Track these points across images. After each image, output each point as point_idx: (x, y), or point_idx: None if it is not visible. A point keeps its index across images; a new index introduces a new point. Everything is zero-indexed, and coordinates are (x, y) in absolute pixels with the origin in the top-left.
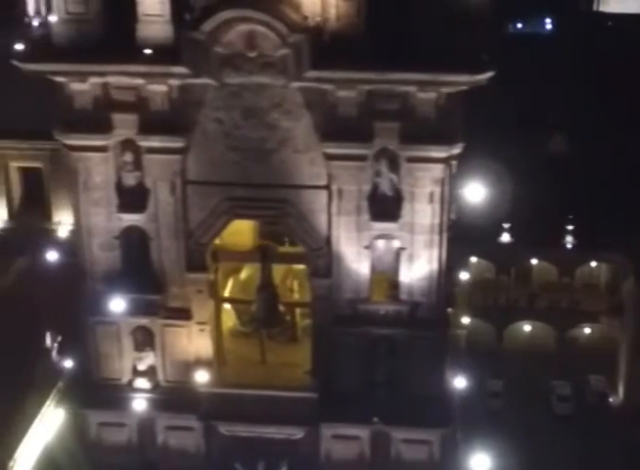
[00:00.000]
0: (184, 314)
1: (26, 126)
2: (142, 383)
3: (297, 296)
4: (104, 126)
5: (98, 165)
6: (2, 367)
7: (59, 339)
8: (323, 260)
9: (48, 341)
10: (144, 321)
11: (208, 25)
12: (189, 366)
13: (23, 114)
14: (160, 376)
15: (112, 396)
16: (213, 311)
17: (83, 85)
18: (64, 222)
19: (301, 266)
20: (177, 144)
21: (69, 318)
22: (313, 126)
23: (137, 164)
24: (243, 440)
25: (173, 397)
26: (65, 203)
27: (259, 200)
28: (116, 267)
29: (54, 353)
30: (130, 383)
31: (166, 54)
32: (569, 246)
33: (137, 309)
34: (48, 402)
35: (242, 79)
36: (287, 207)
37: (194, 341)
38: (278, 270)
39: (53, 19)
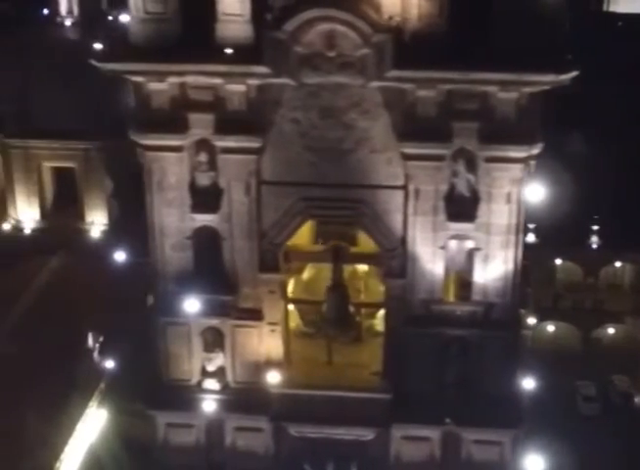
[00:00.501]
0: (255, 315)
1: (60, 126)
2: (211, 384)
3: (363, 296)
4: (180, 126)
5: (173, 166)
6: (45, 368)
7: (100, 339)
8: (397, 261)
9: (90, 341)
10: (215, 322)
11: (291, 25)
12: (259, 367)
13: (57, 114)
14: (230, 377)
15: (180, 397)
16: (284, 312)
17: (161, 85)
18: (96, 222)
19: (368, 267)
20: (253, 144)
21: (110, 318)
22: (391, 126)
23: (212, 165)
24: (312, 441)
25: (242, 397)
26: (97, 202)
27: (334, 200)
28: (188, 268)
29: (95, 354)
30: (199, 384)
31: (246, 53)
32: (593, 246)
33: (208, 310)
34: (91, 403)
35: (320, 79)
36: (362, 207)
37: (264, 342)
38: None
39: (130, 18)
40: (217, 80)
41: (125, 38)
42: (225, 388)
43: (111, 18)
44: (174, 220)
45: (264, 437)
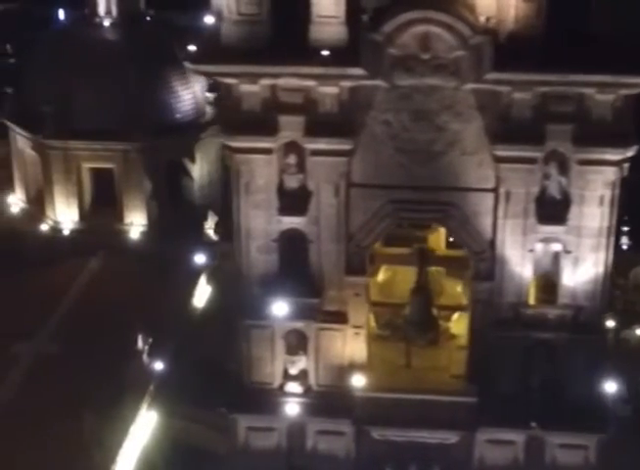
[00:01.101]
0: (340, 318)
1: (99, 127)
2: (293, 387)
3: (440, 299)
4: (270, 128)
5: (261, 168)
6: (93, 369)
7: (150, 341)
8: (485, 264)
9: (139, 342)
10: (299, 325)
11: (389, 27)
12: (342, 370)
13: (96, 114)
14: (312, 380)
15: (262, 400)
16: (367, 315)
17: (253, 87)
18: (135, 223)
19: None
20: (344, 146)
21: (158, 319)
22: (483, 128)
23: (300, 167)
24: (394, 444)
25: (325, 401)
26: (136, 203)
27: (424, 202)
28: (273, 271)
29: (145, 356)
30: (281, 387)
31: (340, 55)
32: (623, 247)
33: (293, 313)
34: (142, 405)
35: (413, 81)
36: (451, 209)
37: (348, 345)
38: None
39: (224, 20)
40: (310, 82)
41: (217, 40)
42: (307, 391)
43: (149, 18)
44: (261, 223)
45: (346, 440)
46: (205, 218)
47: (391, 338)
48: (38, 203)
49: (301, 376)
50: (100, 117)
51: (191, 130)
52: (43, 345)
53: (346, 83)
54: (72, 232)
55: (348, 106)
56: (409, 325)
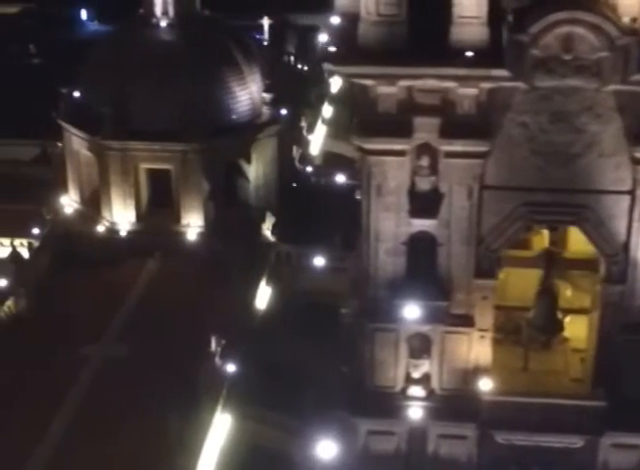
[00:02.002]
0: (467, 321)
1: (157, 128)
2: (416, 391)
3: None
4: (404, 130)
5: (394, 170)
6: (164, 371)
7: (222, 342)
8: (618, 266)
9: (213, 344)
10: (425, 328)
11: (536, 28)
12: (466, 374)
13: (154, 115)
14: (435, 384)
15: (384, 404)
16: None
17: (391, 88)
18: (192, 224)
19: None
20: (481, 148)
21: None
22: (623, 130)
23: (433, 169)
24: (517, 448)
25: (448, 405)
26: (193, 205)
27: (557, 205)
28: (401, 273)
29: (217, 358)
30: (403, 391)
31: (482, 57)
32: None
33: (419, 316)
34: (218, 408)
35: (554, 83)
36: (586, 212)
37: (473, 348)
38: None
39: (361, 20)
40: (450, 84)
41: (353, 41)
42: (430, 395)
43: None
44: (391, 225)
45: (468, 444)
46: (262, 220)
47: (505, 341)
48: (93, 204)
49: (424, 380)
50: (157, 117)
51: (247, 131)
52: (112, 347)
53: (487, 85)
54: (129, 233)
55: (486, 107)
56: (533, 328)
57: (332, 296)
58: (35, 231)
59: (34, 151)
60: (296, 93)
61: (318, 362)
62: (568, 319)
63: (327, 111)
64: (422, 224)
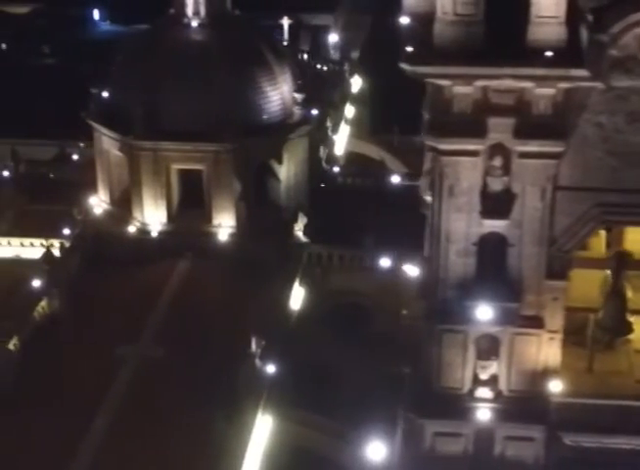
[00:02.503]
0: (537, 323)
1: (189, 128)
2: (483, 392)
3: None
4: (478, 130)
5: (467, 170)
6: (208, 373)
7: (262, 343)
8: None
9: (253, 345)
10: (494, 329)
11: (617, 27)
12: (534, 375)
13: (186, 115)
14: (503, 385)
15: (450, 405)
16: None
17: (467, 89)
18: (223, 225)
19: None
20: (556, 149)
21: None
22: None
23: (505, 169)
24: (585, 450)
25: (515, 406)
26: (225, 205)
27: (632, 206)
28: (470, 274)
29: (257, 359)
30: (471, 392)
31: (561, 56)
32: None
33: (489, 317)
34: (259, 409)
35: (631, 83)
36: None
37: (542, 350)
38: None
39: (437, 20)
40: (527, 84)
41: (427, 41)
42: (498, 396)
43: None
44: (462, 226)
45: (536, 446)
46: (294, 220)
47: (567, 342)
48: (123, 204)
49: (492, 381)
50: (189, 117)
51: (279, 131)
52: (148, 347)
53: (564, 85)
54: (160, 234)
55: (562, 107)
56: (601, 329)
57: (362, 296)
58: (66, 231)
59: (53, 151)
60: (319, 93)
61: (352, 363)
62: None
63: (349, 111)
64: (493, 225)
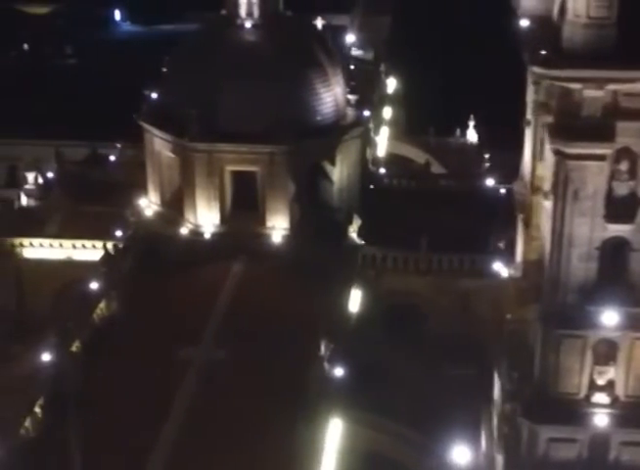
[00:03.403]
0: None
1: (244, 129)
2: (600, 398)
3: None
4: (606, 135)
5: (593, 175)
6: (276, 376)
7: (331, 347)
8: None
9: (322, 348)
10: (614, 334)
11: None
12: None
13: (241, 116)
14: (620, 391)
15: (566, 411)
16: None
17: (598, 92)
18: (277, 226)
19: None
20: None
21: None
22: None
23: (632, 174)
24: None
25: (632, 412)
26: (278, 207)
27: None
28: (591, 279)
29: (325, 362)
30: (587, 398)
31: None
32: None
33: (610, 322)
34: (329, 413)
35: None
36: None
37: None
38: None
39: (567, 23)
40: None
41: (555, 44)
42: (614, 402)
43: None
44: (585, 230)
45: None
46: (349, 222)
47: None
48: (173, 206)
49: (608, 386)
50: (244, 119)
51: (333, 133)
52: (210, 350)
53: None
54: (213, 236)
55: None
56: None
57: (416, 297)
58: (118, 233)
59: (84, 152)
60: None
61: (411, 364)
62: None
63: (387, 112)
64: (617, 229)
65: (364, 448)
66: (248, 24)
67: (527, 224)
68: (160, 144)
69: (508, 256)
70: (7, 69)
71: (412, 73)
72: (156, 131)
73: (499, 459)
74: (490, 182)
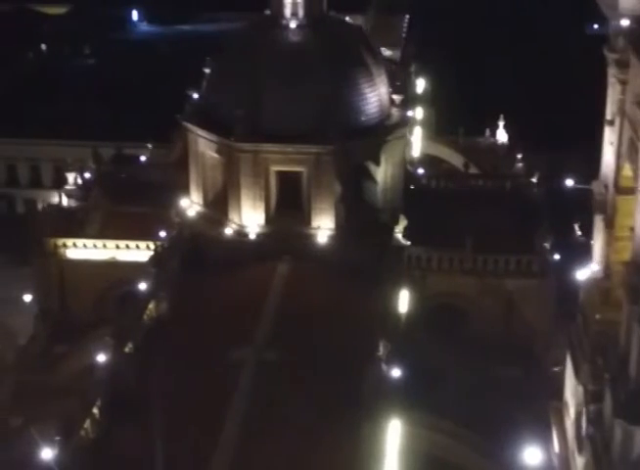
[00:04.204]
0: None
1: (290, 130)
2: None
3: None
4: None
5: None
6: (333, 377)
7: (389, 347)
8: None
9: (380, 349)
10: None
11: None
12: None
13: (287, 116)
14: None
15: None
16: None
17: None
18: (322, 227)
19: None
20: None
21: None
22: None
23: None
24: None
25: None
26: (324, 207)
27: None
28: None
29: (383, 363)
30: None
31: None
32: None
33: None
34: (389, 414)
35: None
36: None
37: None
38: None
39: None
40: None
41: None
42: None
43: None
44: None
45: None
46: (395, 222)
47: None
48: (216, 206)
49: None
50: (290, 119)
51: (378, 133)
52: (263, 350)
53: None
54: (258, 236)
55: None
56: None
57: (461, 298)
58: (162, 234)
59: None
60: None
61: (459, 364)
62: None
63: (418, 112)
64: None
65: (423, 450)
66: (292, 25)
67: (610, 225)
68: (203, 144)
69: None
70: (27, 69)
71: (439, 73)
72: (200, 132)
73: (580, 461)
74: (528, 182)
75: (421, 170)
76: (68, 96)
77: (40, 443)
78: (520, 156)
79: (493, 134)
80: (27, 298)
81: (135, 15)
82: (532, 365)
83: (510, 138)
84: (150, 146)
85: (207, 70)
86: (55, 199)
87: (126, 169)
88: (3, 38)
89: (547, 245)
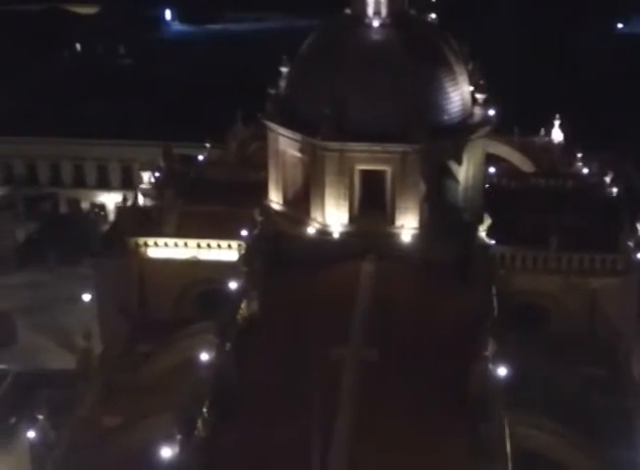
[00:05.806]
0: None
1: (375, 128)
2: None
3: None
4: None
5: None
6: (438, 377)
7: (495, 346)
8: None
9: (489, 348)
10: None
11: None
12: None
13: (372, 115)
14: None
15: None
16: None
17: None
18: (406, 226)
19: None
20: None
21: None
22: None
23: None
24: None
25: None
26: (408, 206)
27: None
28: None
29: (490, 362)
30: None
31: None
32: None
33: None
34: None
35: None
36: None
37: None
38: None
39: None
40: None
41: None
42: None
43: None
44: None
45: None
46: (479, 221)
47: None
48: (296, 205)
49: None
50: (375, 118)
51: (461, 131)
52: (361, 349)
53: None
54: (342, 235)
55: None
56: None
57: (544, 296)
58: (243, 233)
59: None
60: None
61: (544, 364)
62: None
63: None
64: None
65: (529, 449)
66: (375, 23)
67: None
68: (285, 143)
69: None
70: (62, 67)
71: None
72: (282, 130)
73: None
74: (599, 181)
75: (492, 169)
76: (113, 96)
77: (154, 441)
78: (580, 155)
79: (548, 133)
80: (86, 297)
81: (168, 14)
82: (617, 364)
83: (566, 137)
84: (208, 145)
85: (285, 69)
86: (99, 198)
87: (194, 169)
88: (35, 37)
89: (631, 243)
